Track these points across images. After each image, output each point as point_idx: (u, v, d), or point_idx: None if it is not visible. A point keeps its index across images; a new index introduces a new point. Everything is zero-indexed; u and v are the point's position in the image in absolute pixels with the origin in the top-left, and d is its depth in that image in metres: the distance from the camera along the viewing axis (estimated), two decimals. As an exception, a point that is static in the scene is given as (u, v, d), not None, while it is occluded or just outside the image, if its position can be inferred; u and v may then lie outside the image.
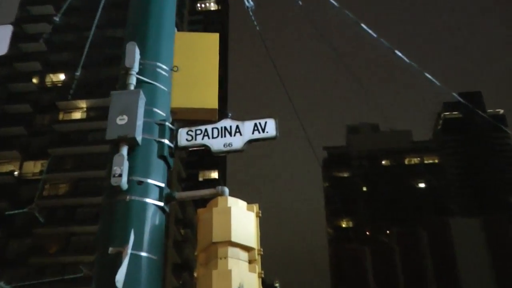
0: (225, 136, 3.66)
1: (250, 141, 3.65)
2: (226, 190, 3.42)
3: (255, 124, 3.68)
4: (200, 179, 58.32)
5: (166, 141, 3.55)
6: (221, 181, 58.80)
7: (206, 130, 3.69)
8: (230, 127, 3.69)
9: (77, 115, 41.31)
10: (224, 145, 3.63)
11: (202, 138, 3.67)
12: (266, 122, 3.68)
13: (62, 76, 43.27)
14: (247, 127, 3.67)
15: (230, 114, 3.75)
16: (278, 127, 3.66)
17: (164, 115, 3.67)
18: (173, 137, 3.65)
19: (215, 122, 3.76)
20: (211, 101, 3.94)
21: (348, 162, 78.27)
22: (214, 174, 59.74)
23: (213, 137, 3.66)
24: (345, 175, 78.41)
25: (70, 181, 37.85)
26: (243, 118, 3.76)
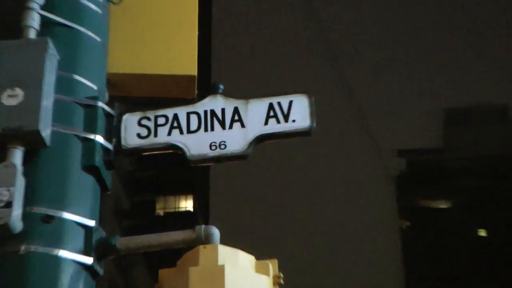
0: (212, 128, 3.71)
1: (261, 139, 3.70)
2: (215, 232, 3.47)
3: (271, 106, 3.73)
4: (159, 212, 58.54)
5: (99, 139, 3.62)
6: (200, 215, 58.95)
7: (176, 117, 3.75)
8: (223, 111, 3.74)
9: None
10: (210, 146, 3.68)
11: (169, 133, 3.72)
12: (291, 103, 3.73)
13: None
14: (254, 111, 3.73)
15: (221, 87, 3.79)
16: (315, 112, 3.69)
17: (95, 88, 3.74)
18: (113, 131, 3.72)
19: (192, 102, 3.81)
20: (186, 64, 4.00)
21: (448, 180, 78.20)
22: (187, 202, 59.94)
23: (189, 131, 3.71)
24: (443, 205, 78.37)
25: None
26: (244, 95, 3.79)
